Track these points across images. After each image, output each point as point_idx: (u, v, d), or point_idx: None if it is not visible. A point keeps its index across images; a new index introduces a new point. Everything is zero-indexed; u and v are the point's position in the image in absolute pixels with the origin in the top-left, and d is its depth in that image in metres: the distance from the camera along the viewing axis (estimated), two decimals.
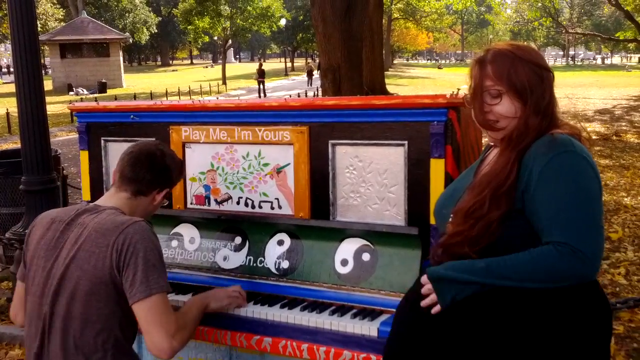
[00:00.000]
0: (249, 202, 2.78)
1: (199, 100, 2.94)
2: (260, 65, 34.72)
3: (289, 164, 2.67)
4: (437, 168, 2.38)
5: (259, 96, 29.43)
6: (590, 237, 1.68)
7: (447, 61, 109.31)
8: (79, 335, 2.03)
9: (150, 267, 2.01)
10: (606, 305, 1.83)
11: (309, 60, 50.65)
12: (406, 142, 2.44)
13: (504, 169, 1.80)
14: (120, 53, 41.80)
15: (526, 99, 1.82)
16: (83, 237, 2.07)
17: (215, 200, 2.85)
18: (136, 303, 1.99)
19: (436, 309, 1.80)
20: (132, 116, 2.95)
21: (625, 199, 7.73)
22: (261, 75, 32.57)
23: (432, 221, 2.38)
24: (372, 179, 2.54)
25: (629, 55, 76.59)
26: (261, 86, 32.51)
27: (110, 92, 34.96)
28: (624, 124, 16.78)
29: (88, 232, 2.07)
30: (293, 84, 41.72)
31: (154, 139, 2.82)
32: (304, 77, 43.49)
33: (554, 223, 1.70)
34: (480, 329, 1.78)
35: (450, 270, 1.79)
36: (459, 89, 2.46)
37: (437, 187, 2.38)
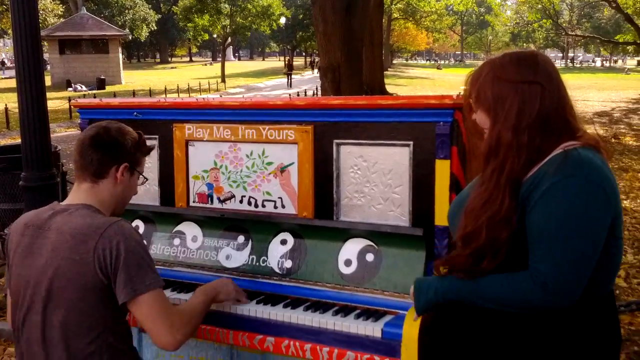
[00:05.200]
0: (252, 201, 2.76)
1: (203, 98, 2.93)
2: (289, 61, 43.64)
3: (293, 163, 2.66)
4: (443, 169, 2.36)
5: (289, 86, 37.16)
6: (567, 271, 1.62)
7: (447, 62, 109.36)
8: (73, 343, 1.99)
9: (139, 266, 1.97)
10: (616, 332, 1.82)
11: (288, 58, 51.45)
12: (411, 143, 2.43)
13: (495, 198, 1.75)
14: (120, 50, 41.73)
15: (492, 114, 1.78)
16: (61, 244, 2.00)
17: (218, 198, 2.84)
18: (133, 303, 1.96)
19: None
20: (135, 113, 2.93)
21: (625, 202, 7.73)
22: (290, 68, 40.10)
23: (437, 222, 2.38)
24: (376, 179, 2.52)
25: (626, 56, 76.64)
26: (289, 79, 39.24)
27: (109, 88, 34.88)
28: (622, 126, 16.81)
29: (65, 239, 1.99)
30: (292, 82, 41.63)
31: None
32: (303, 75, 43.66)
33: (538, 249, 1.66)
34: (486, 342, 1.80)
35: (430, 281, 1.90)
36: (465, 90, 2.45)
37: (442, 188, 2.37)
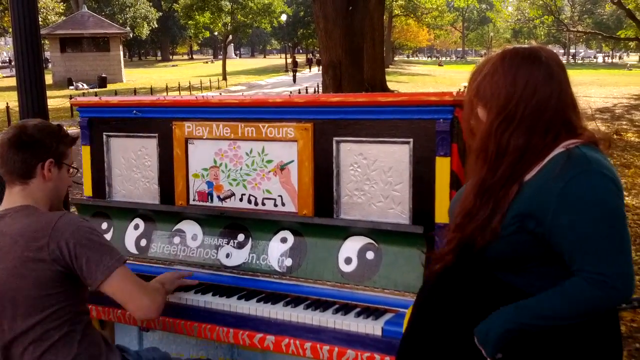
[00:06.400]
0: (252, 199, 2.76)
1: (202, 96, 2.92)
2: (294, 58, 46.81)
3: (292, 160, 2.65)
4: (443, 166, 2.36)
5: (294, 81, 38.54)
6: (621, 262, 1.60)
7: (448, 58, 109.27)
8: (49, 337, 2.03)
9: (98, 250, 2.03)
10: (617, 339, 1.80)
11: (293, 55, 52.21)
12: (411, 140, 2.42)
13: (481, 215, 1.75)
14: (121, 48, 41.75)
15: (488, 109, 1.78)
16: (9, 247, 2.01)
17: (218, 196, 2.83)
18: (103, 284, 2.02)
19: None
20: (134, 111, 2.92)
21: (627, 199, 7.72)
22: (295, 65, 42.09)
23: (437, 219, 2.37)
24: (376, 176, 2.52)
25: (628, 52, 76.54)
26: (295, 74, 40.73)
27: (110, 86, 34.91)
28: (624, 122, 16.78)
29: (13, 240, 2.01)
30: (296, 79, 41.63)
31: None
32: (304, 73, 43.79)
33: (582, 252, 1.62)
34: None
35: (491, 326, 1.75)
36: (463, 87, 2.44)
37: (442, 185, 2.36)
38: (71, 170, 2.27)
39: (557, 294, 1.66)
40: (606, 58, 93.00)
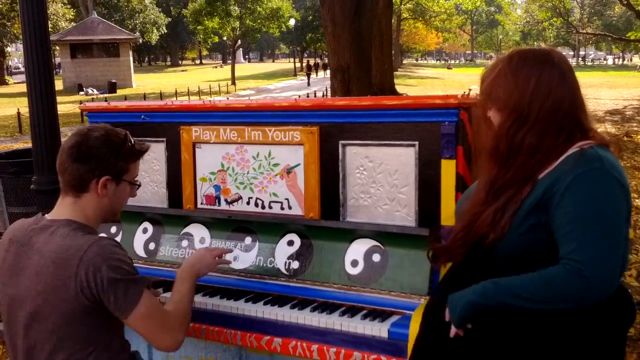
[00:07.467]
0: (259, 202, 2.77)
1: (210, 101, 2.94)
2: (308, 62, 49.17)
3: (299, 164, 2.67)
4: (448, 169, 2.36)
5: (309, 84, 39.58)
6: (602, 259, 1.60)
7: (457, 61, 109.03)
8: None
9: (124, 282, 1.91)
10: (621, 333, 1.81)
11: (308, 59, 52.83)
12: (417, 143, 2.43)
13: (491, 212, 1.77)
14: (130, 53, 41.97)
15: (500, 111, 1.80)
16: (43, 269, 1.93)
17: (226, 200, 2.85)
18: (128, 318, 1.94)
19: (452, 331, 1.82)
20: (143, 116, 2.95)
21: (637, 201, 7.67)
22: (309, 69, 44.19)
23: (443, 222, 2.38)
24: (382, 179, 2.53)
25: (637, 54, 76.12)
26: (309, 78, 42.14)
27: (120, 92, 35.09)
28: (634, 124, 16.67)
29: (46, 263, 1.93)
30: (302, 84, 41.73)
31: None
32: (312, 77, 43.94)
33: (572, 239, 1.64)
34: (496, 345, 1.79)
35: (461, 293, 1.81)
36: (470, 90, 2.45)
37: (448, 188, 2.37)
38: (133, 185, 2.14)
39: (535, 276, 1.68)
40: (616, 60, 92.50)
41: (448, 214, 2.34)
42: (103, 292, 1.90)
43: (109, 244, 1.95)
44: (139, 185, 2.21)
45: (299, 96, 16.48)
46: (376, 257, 2.44)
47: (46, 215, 2.08)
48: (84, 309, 1.92)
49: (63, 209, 2.05)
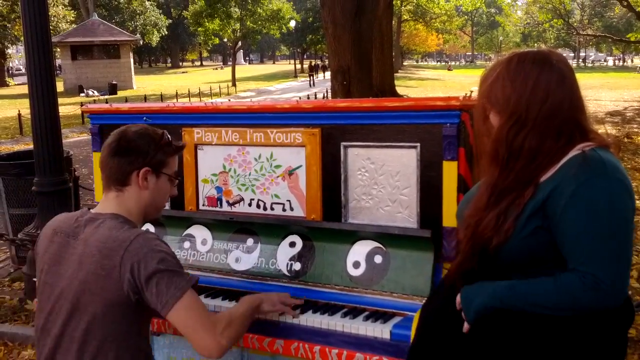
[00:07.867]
0: (261, 204, 2.78)
1: (211, 102, 2.95)
2: (311, 63, 49.57)
3: (300, 166, 2.67)
4: (450, 170, 2.37)
5: (311, 85, 40.45)
6: (616, 269, 1.62)
7: (457, 63, 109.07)
8: (96, 357, 1.96)
9: (169, 274, 1.91)
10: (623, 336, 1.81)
11: (310, 60, 53.00)
12: (418, 144, 2.43)
13: (494, 216, 1.76)
14: (131, 55, 42.03)
15: (500, 114, 1.80)
16: (87, 258, 1.96)
17: (227, 202, 2.85)
18: (170, 312, 1.91)
19: (465, 327, 1.83)
20: (145, 118, 2.96)
21: (638, 202, 7.68)
22: (311, 70, 44.82)
23: (445, 223, 2.38)
24: (384, 181, 2.53)
25: (637, 55, 76.13)
26: (312, 78, 43.15)
27: (120, 93, 35.14)
28: (635, 126, 16.67)
29: (91, 252, 1.95)
30: (302, 85, 41.78)
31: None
32: (317, 77, 44.13)
33: (582, 251, 1.64)
34: (500, 347, 1.79)
35: (476, 290, 1.82)
36: (471, 91, 2.45)
37: (449, 189, 2.37)
38: (173, 180, 2.17)
39: (551, 285, 1.68)
40: (617, 61, 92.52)
41: (450, 215, 2.34)
42: (146, 283, 1.90)
43: (153, 237, 2.00)
44: (179, 180, 2.24)
45: (300, 98, 16.48)
46: (378, 259, 2.45)
47: (91, 209, 2.13)
48: (123, 301, 1.92)
49: (107, 203, 2.10)
